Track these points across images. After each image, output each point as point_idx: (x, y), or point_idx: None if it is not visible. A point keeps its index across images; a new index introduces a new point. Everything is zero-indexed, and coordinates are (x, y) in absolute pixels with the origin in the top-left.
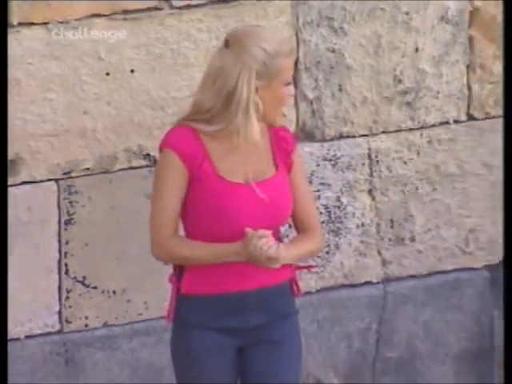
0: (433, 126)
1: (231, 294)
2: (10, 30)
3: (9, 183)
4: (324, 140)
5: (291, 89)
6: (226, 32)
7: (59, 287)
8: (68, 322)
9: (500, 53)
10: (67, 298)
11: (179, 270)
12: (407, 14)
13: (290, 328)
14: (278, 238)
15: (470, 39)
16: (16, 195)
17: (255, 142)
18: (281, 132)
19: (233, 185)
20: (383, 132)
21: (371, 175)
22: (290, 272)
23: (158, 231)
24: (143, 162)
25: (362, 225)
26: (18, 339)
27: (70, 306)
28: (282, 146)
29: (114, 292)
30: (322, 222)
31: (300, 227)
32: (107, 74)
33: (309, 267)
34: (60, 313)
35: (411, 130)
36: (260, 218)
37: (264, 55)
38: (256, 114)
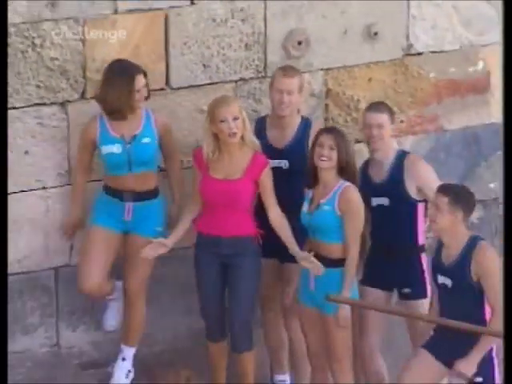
0: None
1: (213, 235)
2: None
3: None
4: None
5: (227, 125)
6: (204, 103)
7: None
8: None
9: (342, 112)
10: None
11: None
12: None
13: (249, 261)
14: (242, 209)
15: (326, 105)
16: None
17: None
18: (258, 159)
19: (212, 177)
20: None
21: None
22: (251, 230)
23: None
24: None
25: None
26: None
27: None
28: (254, 166)
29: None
30: None
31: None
32: None
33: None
34: None
35: None
36: (219, 197)
37: (209, 108)
38: (212, 141)
